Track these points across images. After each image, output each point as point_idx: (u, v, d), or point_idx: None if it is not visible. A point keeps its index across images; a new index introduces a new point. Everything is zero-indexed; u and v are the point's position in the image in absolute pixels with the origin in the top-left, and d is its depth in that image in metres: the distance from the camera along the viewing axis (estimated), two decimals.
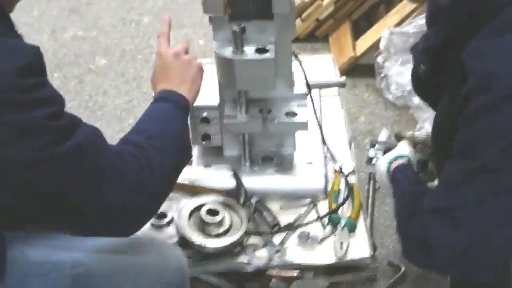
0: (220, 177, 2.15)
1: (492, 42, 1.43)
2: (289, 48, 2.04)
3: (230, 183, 2.13)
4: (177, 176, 1.65)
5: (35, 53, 1.29)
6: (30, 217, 1.38)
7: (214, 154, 2.23)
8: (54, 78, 2.88)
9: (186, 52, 1.91)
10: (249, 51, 1.93)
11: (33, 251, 1.56)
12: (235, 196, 2.10)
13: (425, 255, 1.48)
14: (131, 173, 1.40)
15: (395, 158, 1.94)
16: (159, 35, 1.93)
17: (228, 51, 1.94)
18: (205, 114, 2.13)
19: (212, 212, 1.98)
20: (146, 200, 1.45)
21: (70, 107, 3.06)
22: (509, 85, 1.37)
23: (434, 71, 1.70)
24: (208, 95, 2.13)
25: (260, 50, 1.94)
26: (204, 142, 2.18)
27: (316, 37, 3.44)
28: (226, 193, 2.10)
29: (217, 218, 1.97)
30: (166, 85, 1.79)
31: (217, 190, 2.11)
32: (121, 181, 1.38)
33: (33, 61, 1.27)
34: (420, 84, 1.84)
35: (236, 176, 2.13)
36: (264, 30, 1.96)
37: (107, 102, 3.10)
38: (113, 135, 2.86)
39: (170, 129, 1.65)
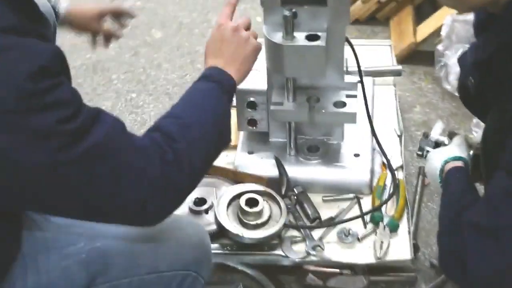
0: (263, 164, 2.11)
1: None
2: (342, 36, 1.96)
3: (273, 171, 2.08)
4: (209, 167, 1.57)
5: (52, 54, 1.24)
6: (47, 212, 1.40)
7: (259, 140, 2.18)
8: (110, 49, 2.85)
9: (248, 28, 1.80)
10: (300, 37, 1.87)
11: (50, 225, 1.54)
12: (277, 185, 2.05)
13: (460, 270, 1.40)
14: (152, 170, 1.34)
15: (453, 159, 1.83)
16: (225, 4, 1.83)
17: (278, 36, 1.88)
18: (252, 98, 2.08)
19: (252, 202, 1.93)
20: (169, 196, 1.38)
21: (123, 79, 3.05)
22: None
23: (484, 84, 1.60)
24: (257, 79, 2.08)
25: (311, 37, 1.88)
26: (250, 127, 2.13)
27: (377, 19, 3.34)
28: (268, 181, 2.05)
29: (256, 209, 1.92)
30: (216, 61, 1.70)
31: (259, 178, 2.06)
32: (141, 180, 1.32)
33: (47, 65, 1.22)
34: (469, 96, 1.73)
35: (279, 164, 2.08)
36: (316, 16, 1.89)
37: (159, 76, 3.06)
38: (162, 111, 2.84)
39: (209, 117, 1.55)
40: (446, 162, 1.77)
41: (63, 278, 1.49)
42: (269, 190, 2.00)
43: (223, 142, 1.60)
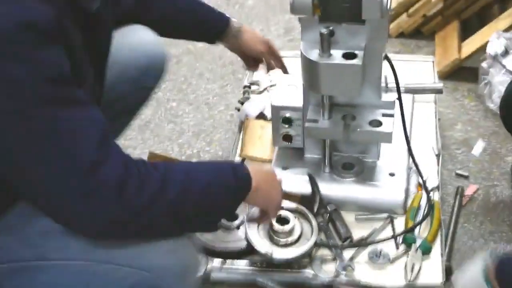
0: (297, 180, 2.09)
1: None
2: (380, 55, 1.94)
3: (307, 188, 2.06)
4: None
5: (45, 16, 1.31)
6: None
7: (294, 156, 2.17)
8: None
9: None
10: (337, 55, 1.86)
11: None
12: (310, 202, 2.04)
13: None
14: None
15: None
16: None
17: (314, 53, 1.87)
18: (287, 114, 2.08)
19: (283, 221, 1.92)
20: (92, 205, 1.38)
21: (164, 88, 3.06)
22: None
23: None
24: (294, 95, 2.08)
25: (348, 55, 1.86)
26: (285, 143, 2.13)
27: (422, 33, 3.31)
28: (302, 198, 2.04)
29: (287, 228, 1.90)
30: (262, 187, 1.66)
31: (293, 195, 2.04)
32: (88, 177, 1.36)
33: (36, 22, 1.30)
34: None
35: (313, 181, 2.06)
36: (354, 34, 1.88)
37: (200, 86, 3.07)
38: (201, 121, 2.86)
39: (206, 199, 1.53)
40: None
41: None
42: (301, 207, 1.99)
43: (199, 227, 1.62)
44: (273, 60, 2.34)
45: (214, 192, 1.53)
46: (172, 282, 1.51)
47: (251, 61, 2.34)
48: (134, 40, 2.10)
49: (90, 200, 1.37)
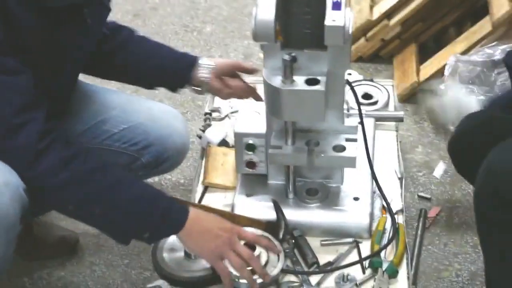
0: (261, 207, 2.08)
1: None
2: (342, 80, 1.95)
3: (271, 215, 2.05)
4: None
5: None
6: None
7: (257, 183, 2.15)
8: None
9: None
10: (299, 81, 1.86)
11: None
12: (275, 228, 2.02)
13: None
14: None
15: None
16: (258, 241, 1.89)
17: (277, 80, 1.87)
18: (251, 141, 2.07)
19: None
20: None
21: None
22: None
23: None
24: (257, 121, 2.07)
25: (311, 81, 1.87)
26: (248, 169, 2.12)
27: (381, 57, 3.34)
28: (266, 225, 2.03)
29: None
30: (195, 229, 1.78)
31: (257, 221, 2.03)
32: None
33: None
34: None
35: (277, 208, 2.05)
36: (316, 60, 1.89)
37: None
38: None
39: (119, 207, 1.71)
40: None
41: None
42: (266, 234, 1.98)
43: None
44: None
45: (130, 228, 1.75)
46: None
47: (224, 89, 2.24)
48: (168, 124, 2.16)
49: (7, 157, 1.63)
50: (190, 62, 2.16)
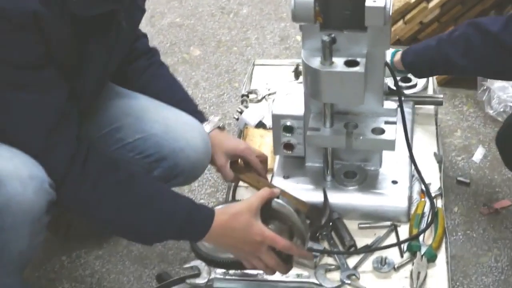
0: (299, 190, 2.07)
1: None
2: (382, 62, 1.93)
3: (308, 197, 2.04)
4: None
5: (21, 10, 1.47)
6: None
7: (295, 165, 2.15)
8: None
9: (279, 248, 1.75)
10: (339, 62, 1.85)
11: None
12: (319, 214, 2.00)
13: None
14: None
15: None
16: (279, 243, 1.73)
17: (316, 61, 1.86)
18: (289, 123, 2.06)
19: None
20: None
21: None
22: None
23: None
24: (295, 103, 2.06)
25: (350, 63, 1.85)
26: (286, 152, 2.11)
27: (419, 40, 3.29)
28: (310, 207, 2.01)
29: None
30: (219, 221, 1.70)
31: (301, 202, 2.01)
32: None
33: (7, 9, 1.46)
34: None
35: (325, 195, 2.03)
36: (356, 41, 1.87)
37: (197, 95, 3.05)
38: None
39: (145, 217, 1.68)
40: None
41: None
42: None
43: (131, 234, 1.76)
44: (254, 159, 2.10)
45: (162, 225, 1.70)
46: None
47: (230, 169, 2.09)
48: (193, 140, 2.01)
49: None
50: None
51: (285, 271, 1.80)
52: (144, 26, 3.42)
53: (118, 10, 1.69)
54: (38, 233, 1.65)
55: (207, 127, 2.05)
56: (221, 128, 2.09)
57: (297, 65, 2.04)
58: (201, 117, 2.07)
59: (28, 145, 1.59)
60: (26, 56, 1.54)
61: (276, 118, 2.06)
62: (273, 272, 1.78)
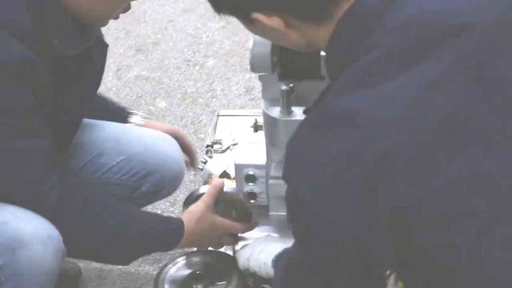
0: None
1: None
2: None
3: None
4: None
5: (19, 59, 1.53)
6: None
7: (259, 214, 2.15)
8: None
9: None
10: (298, 111, 1.87)
11: None
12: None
13: None
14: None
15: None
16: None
17: (275, 111, 1.88)
18: (251, 172, 2.07)
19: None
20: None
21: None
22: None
23: None
24: (257, 153, 2.08)
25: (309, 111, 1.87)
26: (250, 201, 2.12)
27: None
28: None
29: None
30: (188, 228, 1.90)
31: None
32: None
33: (7, 60, 1.52)
34: None
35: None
36: (314, 90, 1.89)
37: None
38: None
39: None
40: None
41: None
42: None
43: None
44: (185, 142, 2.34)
45: (140, 246, 1.85)
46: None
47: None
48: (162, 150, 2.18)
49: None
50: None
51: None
52: (110, 79, 3.48)
53: (90, 48, 1.76)
54: None
55: (136, 118, 2.23)
56: (147, 117, 2.33)
57: (256, 120, 2.09)
58: (127, 112, 2.28)
59: (21, 196, 1.63)
60: (20, 105, 1.59)
61: (238, 167, 2.08)
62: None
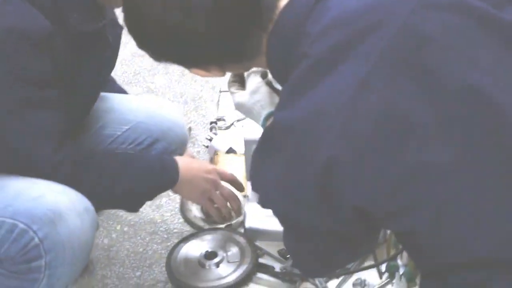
0: (272, 215, 2.05)
1: None
2: None
3: None
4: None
5: (40, 29, 1.58)
6: None
7: None
8: None
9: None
10: None
11: None
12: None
13: None
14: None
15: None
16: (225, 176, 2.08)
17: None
18: None
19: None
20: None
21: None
22: None
23: None
24: None
25: None
26: None
27: None
28: None
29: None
30: (186, 178, 1.88)
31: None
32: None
33: (29, 32, 1.56)
34: None
35: None
36: None
37: None
38: None
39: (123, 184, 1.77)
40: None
41: None
42: None
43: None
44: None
45: (139, 191, 1.82)
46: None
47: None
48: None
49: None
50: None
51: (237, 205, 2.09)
52: None
53: (105, 26, 1.78)
54: (86, 261, 1.71)
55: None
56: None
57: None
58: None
59: (36, 165, 1.64)
60: (40, 75, 1.62)
61: (248, 143, 2.06)
62: (224, 210, 2.06)
